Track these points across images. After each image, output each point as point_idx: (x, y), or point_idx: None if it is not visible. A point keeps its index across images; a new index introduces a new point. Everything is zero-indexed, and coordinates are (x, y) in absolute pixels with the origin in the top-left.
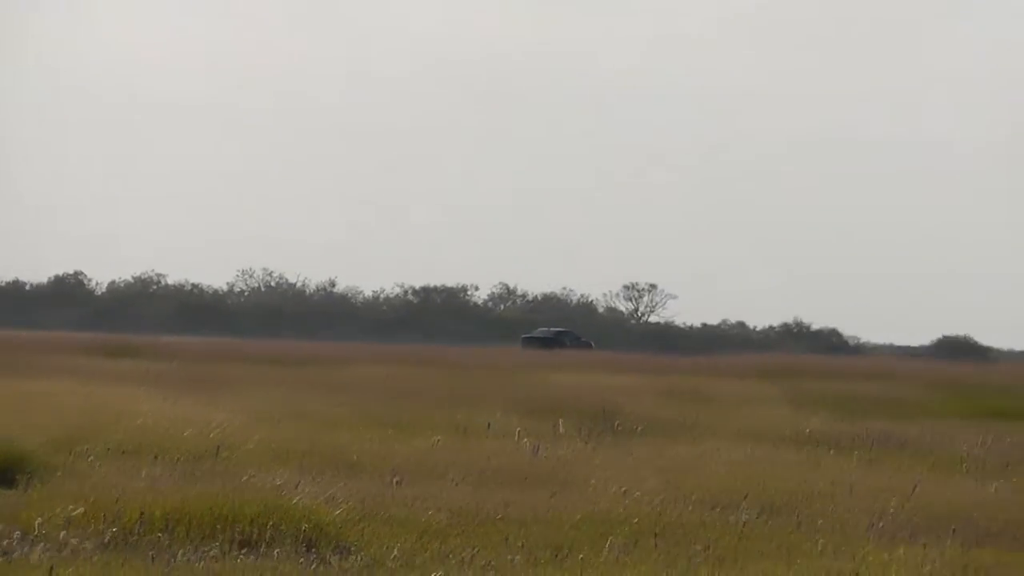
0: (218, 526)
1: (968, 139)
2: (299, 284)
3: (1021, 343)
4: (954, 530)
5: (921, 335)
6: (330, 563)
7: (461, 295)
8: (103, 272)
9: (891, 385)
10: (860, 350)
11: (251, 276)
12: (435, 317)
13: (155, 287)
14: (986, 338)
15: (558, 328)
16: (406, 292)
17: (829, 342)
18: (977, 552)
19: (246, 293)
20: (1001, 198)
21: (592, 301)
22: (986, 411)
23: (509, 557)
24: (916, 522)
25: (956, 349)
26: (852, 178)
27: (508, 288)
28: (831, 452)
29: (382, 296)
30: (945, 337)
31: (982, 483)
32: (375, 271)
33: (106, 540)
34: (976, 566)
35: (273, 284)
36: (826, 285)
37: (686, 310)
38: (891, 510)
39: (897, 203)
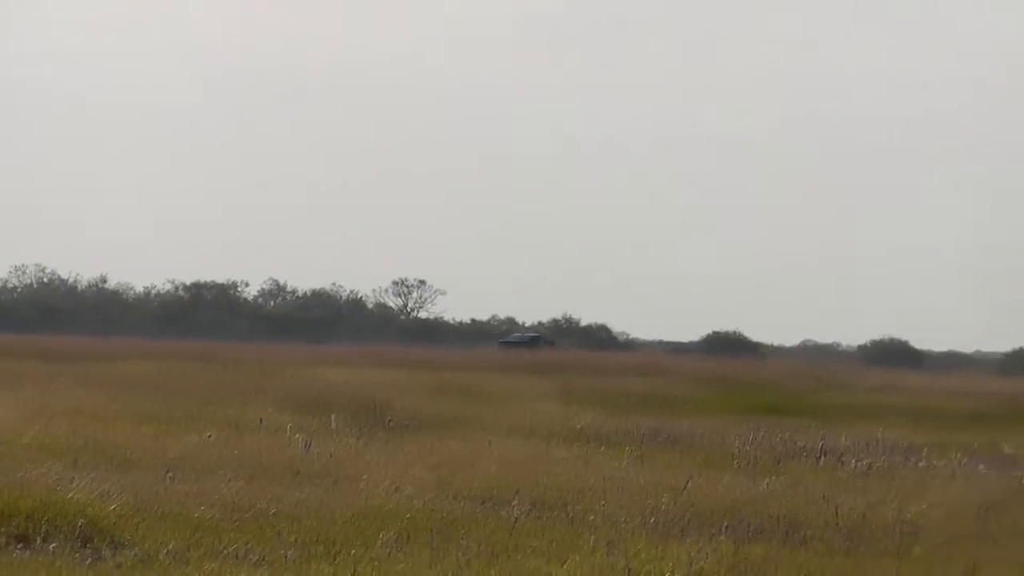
0: None
1: (752, 135)
2: (71, 280)
3: (791, 339)
4: (726, 526)
5: (691, 331)
6: (105, 558)
7: (232, 291)
8: None
9: (661, 381)
10: (630, 346)
11: (24, 273)
12: (206, 313)
13: None
14: (756, 334)
15: (532, 334)
16: (177, 288)
17: (599, 338)
18: (748, 548)
19: (19, 289)
20: (780, 197)
21: (362, 297)
22: (756, 407)
23: (282, 552)
24: (688, 518)
25: (726, 345)
26: (624, 178)
27: (278, 284)
28: (602, 448)
29: (153, 292)
30: (715, 333)
31: (753, 479)
32: (147, 267)
33: None
34: (747, 562)
35: (46, 280)
36: (595, 282)
37: (456, 306)
38: (663, 506)
39: (667, 202)
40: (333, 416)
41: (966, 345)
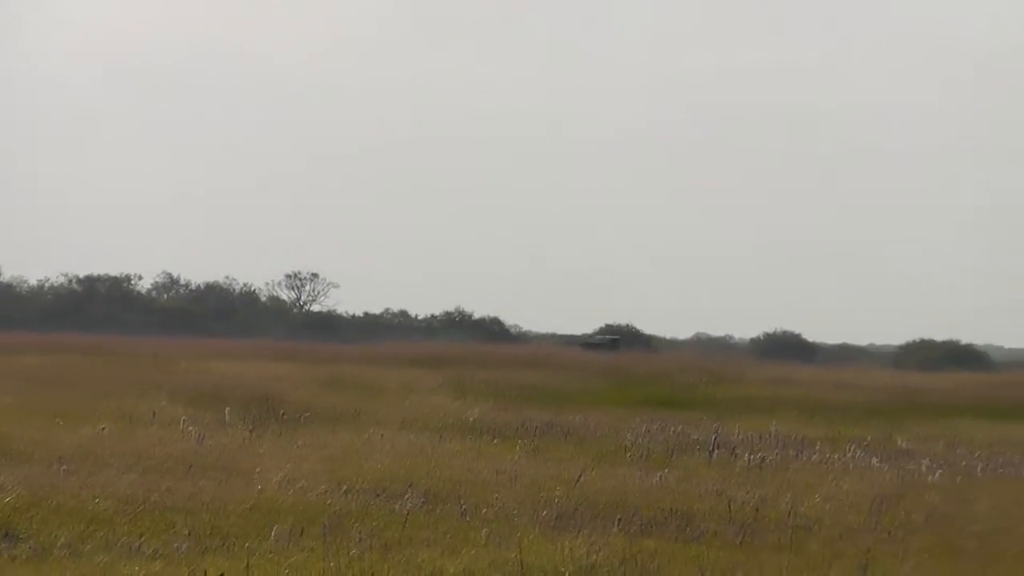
0: None
1: (639, 130)
2: None
3: (684, 332)
4: (619, 519)
5: (584, 324)
6: (0, 551)
7: (125, 284)
8: None
9: (554, 374)
10: (523, 339)
11: None
12: (100, 306)
13: None
14: (649, 327)
15: (612, 336)
16: (71, 281)
17: (492, 331)
18: (641, 541)
19: None
20: (671, 192)
21: (255, 290)
22: (649, 400)
23: (176, 545)
24: (581, 511)
25: (620, 338)
26: (518, 172)
27: (172, 277)
28: (495, 441)
29: (47, 285)
30: (608, 326)
31: (646, 472)
32: (39, 259)
33: None
34: (640, 555)
35: None
36: (488, 275)
37: (348, 298)
38: (556, 499)
39: (559, 196)
40: (227, 409)
41: (859, 338)
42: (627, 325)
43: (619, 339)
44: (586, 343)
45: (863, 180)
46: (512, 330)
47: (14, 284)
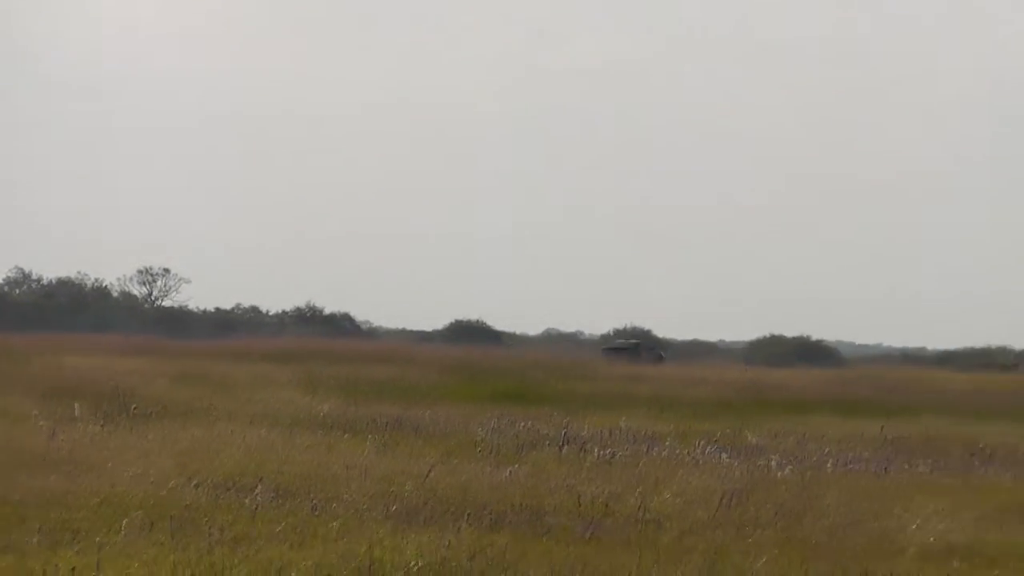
0: None
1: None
2: None
3: (534, 328)
4: (469, 514)
5: (434, 320)
6: None
7: None
8: None
9: (404, 369)
10: (374, 334)
11: None
12: None
13: None
14: (499, 323)
15: (634, 340)
16: None
17: (342, 326)
18: (491, 536)
19: None
20: (521, 185)
21: (107, 285)
22: (499, 395)
23: (27, 539)
24: (431, 506)
25: (469, 333)
26: (370, 165)
27: (23, 272)
28: (345, 436)
29: None
30: (458, 322)
31: (496, 467)
32: None
33: None
34: (490, 550)
35: None
36: (339, 270)
37: (200, 294)
38: (406, 494)
39: (409, 189)
40: (76, 404)
41: (710, 334)
42: (477, 320)
43: (640, 344)
44: (607, 349)
45: (713, 169)
46: (363, 326)
47: None
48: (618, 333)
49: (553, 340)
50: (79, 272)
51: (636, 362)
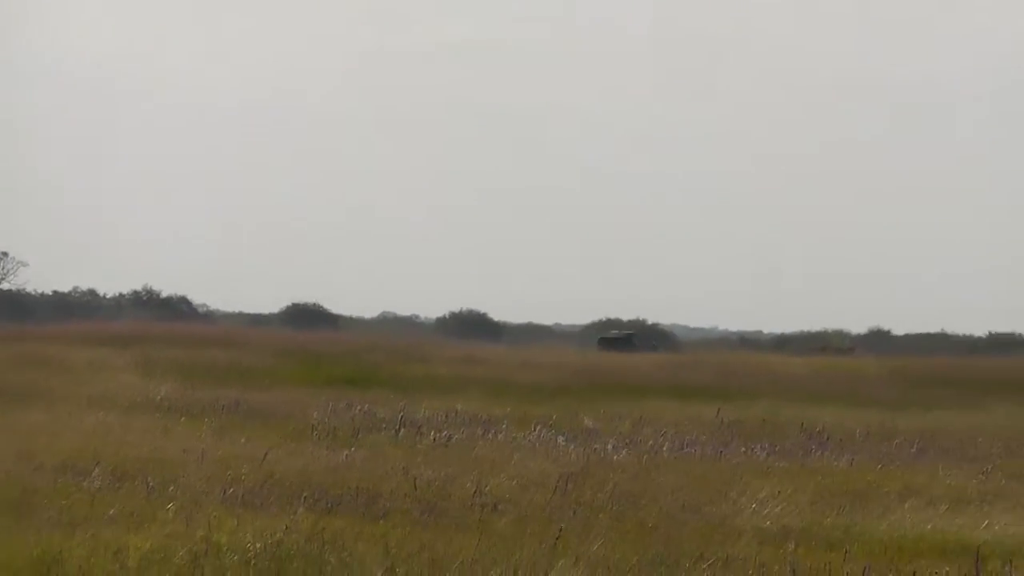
0: None
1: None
2: None
3: (370, 311)
4: (306, 497)
5: (270, 303)
6: None
7: None
8: None
9: (241, 353)
10: (210, 317)
11: None
12: None
13: None
14: (335, 306)
15: (628, 331)
16: None
17: (179, 310)
18: (328, 519)
19: None
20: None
21: None
22: (336, 379)
23: None
24: (268, 489)
25: (305, 317)
26: (204, 143)
27: None
28: (182, 419)
29: None
30: (294, 305)
31: (333, 451)
32: None
33: None
34: (327, 533)
35: None
36: (175, 252)
37: (37, 276)
38: (243, 477)
39: (240, 170)
40: None
41: (546, 318)
42: (313, 304)
43: (634, 335)
44: (603, 339)
45: (555, 150)
46: (200, 309)
47: None
48: (454, 317)
49: (389, 323)
50: None
51: (630, 352)
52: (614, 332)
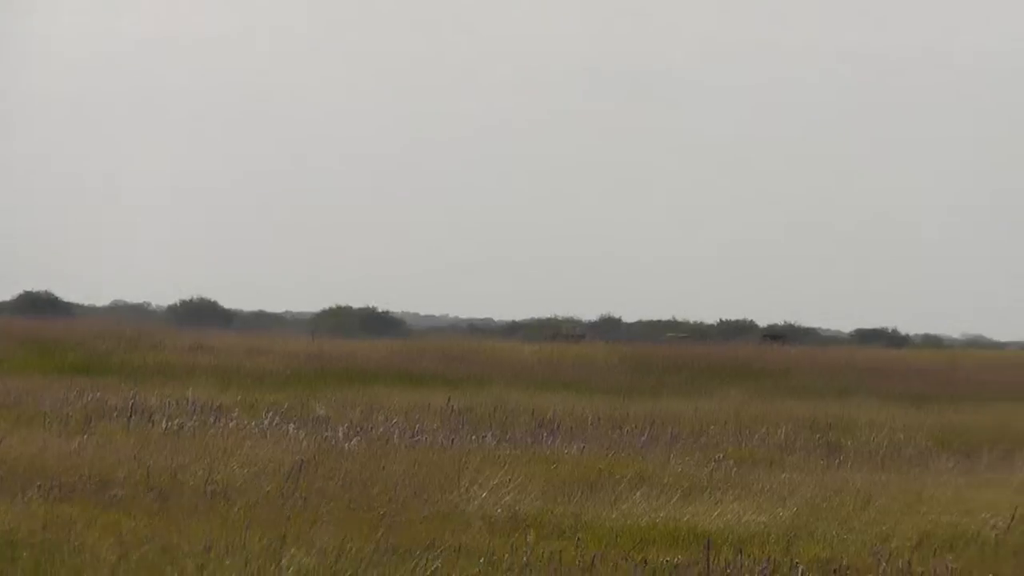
0: None
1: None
2: None
3: (102, 299)
4: (38, 485)
5: (2, 291)
6: None
7: None
8: None
9: None
10: None
11: None
12: None
13: None
14: (68, 294)
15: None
16: None
17: None
18: (60, 507)
19: None
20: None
21: None
22: (68, 367)
23: None
24: (0, 476)
25: (38, 305)
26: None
27: None
28: None
29: None
30: (27, 292)
31: (66, 438)
32: None
33: None
34: (59, 521)
35: None
36: None
37: None
38: None
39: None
40: None
41: (276, 305)
42: (45, 292)
43: (585, 336)
44: (566, 336)
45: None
46: None
47: None
48: (184, 304)
49: (120, 311)
50: None
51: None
52: (579, 330)
